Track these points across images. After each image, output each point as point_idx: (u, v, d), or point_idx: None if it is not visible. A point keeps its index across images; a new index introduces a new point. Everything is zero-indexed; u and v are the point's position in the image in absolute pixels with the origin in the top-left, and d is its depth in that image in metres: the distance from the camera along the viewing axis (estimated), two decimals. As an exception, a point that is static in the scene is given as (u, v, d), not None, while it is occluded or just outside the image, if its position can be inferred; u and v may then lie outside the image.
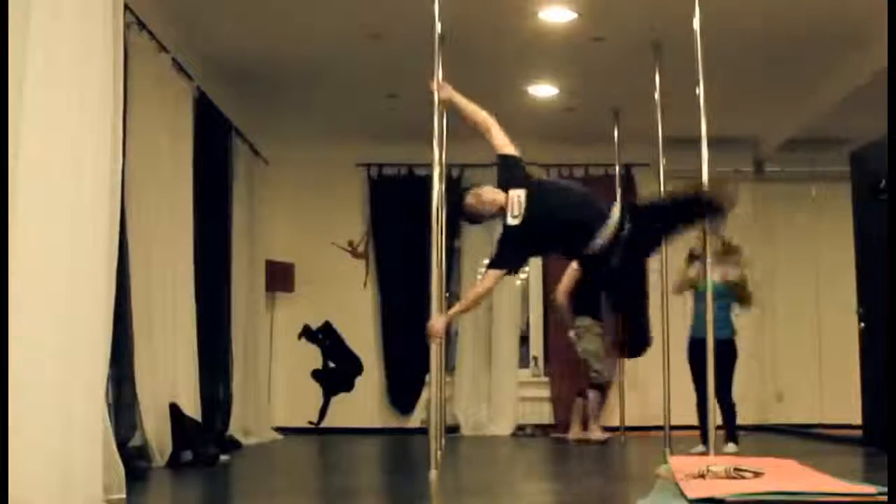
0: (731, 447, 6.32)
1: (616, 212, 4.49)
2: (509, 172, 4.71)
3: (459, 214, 4.93)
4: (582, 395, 7.94)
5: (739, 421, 6.75)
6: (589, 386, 7.85)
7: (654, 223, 4.68)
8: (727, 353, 6.42)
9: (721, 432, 6.35)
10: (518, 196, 4.52)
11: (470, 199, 4.73)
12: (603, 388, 7.85)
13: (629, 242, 4.44)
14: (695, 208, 4.69)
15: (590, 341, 7.77)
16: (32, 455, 3.02)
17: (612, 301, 5.13)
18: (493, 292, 4.81)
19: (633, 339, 4.89)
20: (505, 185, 4.64)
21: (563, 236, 4.55)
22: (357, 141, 9.00)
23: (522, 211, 4.48)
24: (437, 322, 4.71)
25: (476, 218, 4.83)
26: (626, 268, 4.52)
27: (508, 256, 4.59)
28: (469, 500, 4.37)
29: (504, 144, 4.77)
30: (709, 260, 5.10)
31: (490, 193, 4.65)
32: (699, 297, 6.24)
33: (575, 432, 7.93)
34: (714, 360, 6.24)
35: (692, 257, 6.53)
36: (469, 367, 9.09)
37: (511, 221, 4.51)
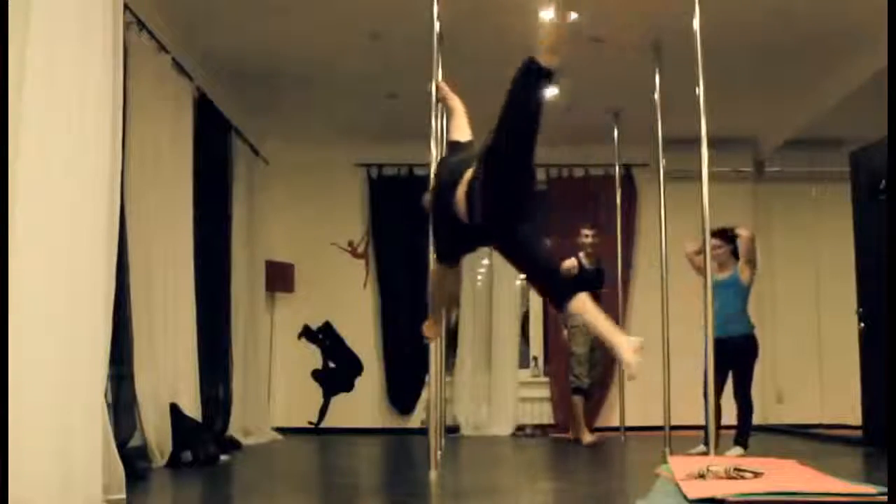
0: (736, 450, 6.07)
1: (469, 171, 3.80)
2: (440, 160, 4.28)
3: None
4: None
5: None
6: (571, 391, 7.83)
7: (500, 138, 3.72)
8: (748, 349, 6.29)
9: (728, 432, 6.24)
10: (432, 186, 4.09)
11: None
12: (583, 393, 7.73)
13: (482, 192, 3.67)
14: (524, 78, 3.80)
15: (577, 343, 7.73)
16: (32, 455, 3.02)
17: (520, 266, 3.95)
18: (443, 284, 4.31)
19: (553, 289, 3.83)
20: None
21: (446, 218, 3.87)
22: (357, 141, 9.00)
23: (431, 200, 4.05)
24: (426, 326, 4.63)
25: None
26: (496, 224, 3.72)
27: (437, 248, 4.18)
28: (469, 500, 4.37)
29: (455, 129, 4.36)
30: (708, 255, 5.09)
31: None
32: (715, 294, 6.09)
33: (573, 433, 7.92)
34: (735, 359, 6.22)
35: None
36: (469, 367, 9.09)
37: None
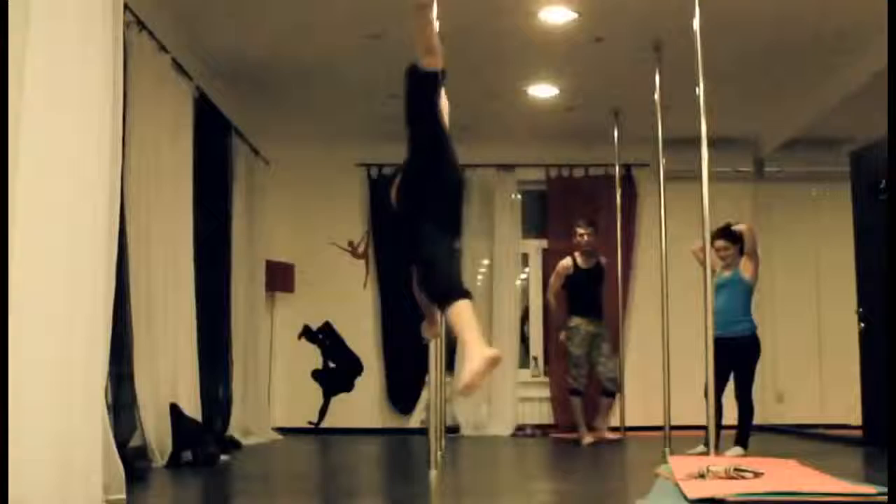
0: (736, 451, 6.02)
1: None
2: None
3: None
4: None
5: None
6: (568, 392, 7.76)
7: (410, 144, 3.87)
8: (750, 349, 6.26)
9: (728, 433, 6.24)
10: None
11: None
12: (580, 394, 7.62)
13: (402, 182, 3.84)
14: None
15: (574, 345, 7.66)
16: (32, 455, 3.02)
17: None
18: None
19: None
20: None
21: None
22: (357, 141, 9.00)
23: None
24: (424, 326, 4.65)
25: None
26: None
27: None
28: (469, 500, 4.37)
29: None
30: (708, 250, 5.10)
31: None
32: (718, 292, 6.08)
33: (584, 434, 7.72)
34: (738, 359, 6.22)
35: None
36: (469, 368, 9.07)
37: None
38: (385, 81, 7.45)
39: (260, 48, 6.82)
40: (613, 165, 8.22)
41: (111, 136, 3.64)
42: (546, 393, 9.08)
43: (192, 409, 5.88)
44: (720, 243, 6.34)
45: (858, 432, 7.08)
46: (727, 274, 6.42)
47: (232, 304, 7.45)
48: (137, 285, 5.20)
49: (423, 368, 7.27)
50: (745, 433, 6.26)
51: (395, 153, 9.55)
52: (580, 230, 7.74)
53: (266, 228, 8.49)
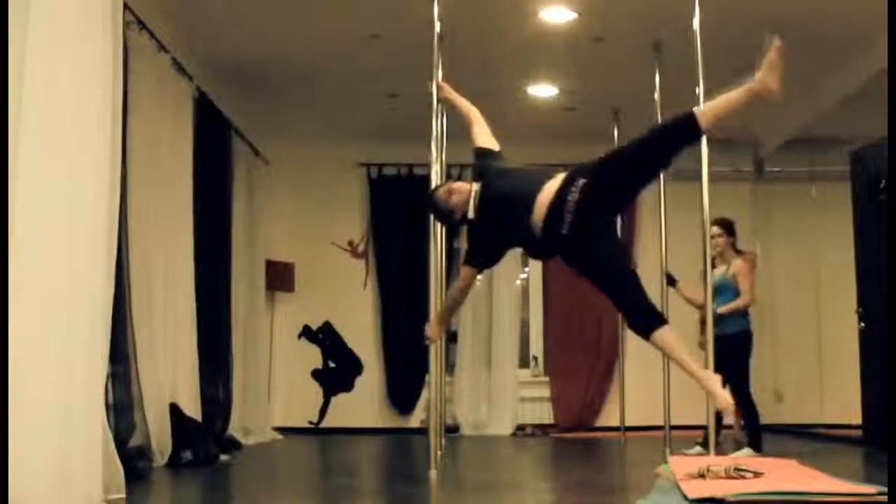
0: (746, 451, 5.85)
1: (555, 182, 4.01)
2: (481, 165, 4.45)
3: (434, 211, 4.53)
4: None
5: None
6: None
7: (618, 170, 4.18)
8: (739, 347, 6.19)
9: (730, 432, 6.20)
10: (475, 190, 4.21)
11: (440, 193, 4.36)
12: None
13: (578, 205, 3.91)
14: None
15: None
16: (32, 455, 3.02)
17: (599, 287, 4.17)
18: (469, 289, 4.39)
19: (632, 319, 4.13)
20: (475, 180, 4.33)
21: (508, 223, 4.10)
22: (357, 141, 9.01)
23: (476, 204, 4.17)
24: (429, 327, 4.66)
25: (442, 215, 4.43)
26: (581, 238, 3.95)
27: (474, 252, 4.30)
28: (469, 499, 4.37)
29: (480, 135, 4.53)
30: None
31: (457, 185, 4.35)
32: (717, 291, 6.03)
33: None
34: (729, 357, 6.18)
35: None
36: (469, 367, 9.09)
37: (470, 216, 4.20)
38: (385, 81, 7.47)
39: (260, 48, 6.83)
40: (613, 165, 8.20)
41: (111, 136, 3.64)
42: (546, 393, 9.08)
43: (192, 409, 5.88)
44: (714, 230, 6.26)
45: (858, 432, 7.09)
46: (719, 272, 6.32)
47: (232, 303, 7.45)
48: (137, 285, 5.19)
49: (423, 368, 7.29)
50: (750, 434, 6.16)
51: (396, 153, 9.59)
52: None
53: (266, 228, 8.48)
